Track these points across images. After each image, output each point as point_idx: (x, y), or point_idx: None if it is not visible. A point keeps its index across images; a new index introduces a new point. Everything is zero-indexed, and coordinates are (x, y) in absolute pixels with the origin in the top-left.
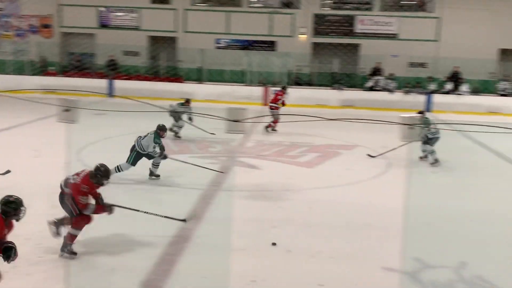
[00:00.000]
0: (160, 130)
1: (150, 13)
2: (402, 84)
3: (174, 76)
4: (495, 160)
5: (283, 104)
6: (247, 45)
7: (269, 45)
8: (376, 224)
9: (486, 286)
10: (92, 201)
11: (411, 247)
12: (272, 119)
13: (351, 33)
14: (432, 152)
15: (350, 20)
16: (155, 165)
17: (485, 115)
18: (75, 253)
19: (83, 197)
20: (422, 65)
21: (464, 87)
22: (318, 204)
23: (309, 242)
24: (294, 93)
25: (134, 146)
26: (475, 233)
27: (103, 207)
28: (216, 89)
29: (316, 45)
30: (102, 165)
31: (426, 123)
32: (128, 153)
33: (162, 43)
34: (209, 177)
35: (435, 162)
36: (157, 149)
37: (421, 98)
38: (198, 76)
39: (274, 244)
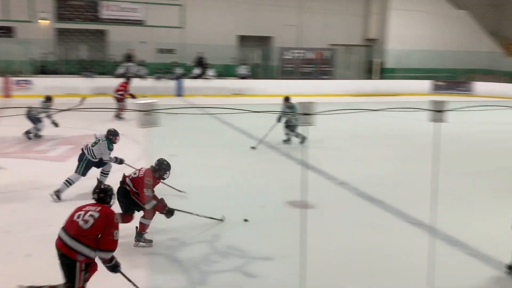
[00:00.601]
0: (112, 136)
1: None
2: (153, 70)
3: None
4: (239, 137)
5: (132, 96)
6: None
7: (6, 31)
8: None
9: (237, 253)
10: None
11: (166, 229)
12: (118, 107)
13: (96, 19)
14: (298, 135)
15: (94, 6)
16: (105, 173)
17: (230, 97)
18: (150, 241)
19: (147, 190)
20: (170, 51)
21: (210, 72)
22: (66, 200)
23: (52, 243)
24: (41, 83)
25: (83, 155)
26: (222, 207)
27: (163, 207)
28: None
29: (60, 31)
30: (164, 159)
31: (291, 108)
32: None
33: None
34: None
35: (303, 140)
36: (113, 156)
37: (172, 83)
38: None
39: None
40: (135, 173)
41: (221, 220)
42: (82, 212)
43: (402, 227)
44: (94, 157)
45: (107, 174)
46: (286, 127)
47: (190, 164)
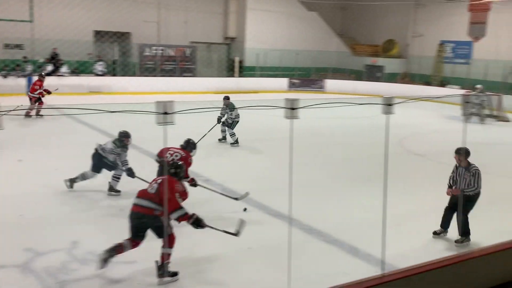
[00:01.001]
0: (125, 137)
1: None
2: None
3: None
4: (97, 137)
5: (48, 92)
6: None
7: None
8: None
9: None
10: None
11: (18, 239)
12: (36, 106)
13: None
14: (232, 134)
15: None
16: (116, 177)
17: (87, 95)
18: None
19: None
20: (18, 46)
21: (64, 68)
22: None
23: None
24: None
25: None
26: (81, 211)
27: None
28: None
29: None
30: (190, 139)
31: (231, 107)
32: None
33: None
34: None
35: (236, 143)
36: (123, 158)
37: (22, 81)
38: None
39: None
40: (176, 156)
41: (235, 198)
42: (153, 182)
43: (263, 219)
44: (103, 151)
45: (119, 178)
46: (223, 125)
47: (40, 168)
